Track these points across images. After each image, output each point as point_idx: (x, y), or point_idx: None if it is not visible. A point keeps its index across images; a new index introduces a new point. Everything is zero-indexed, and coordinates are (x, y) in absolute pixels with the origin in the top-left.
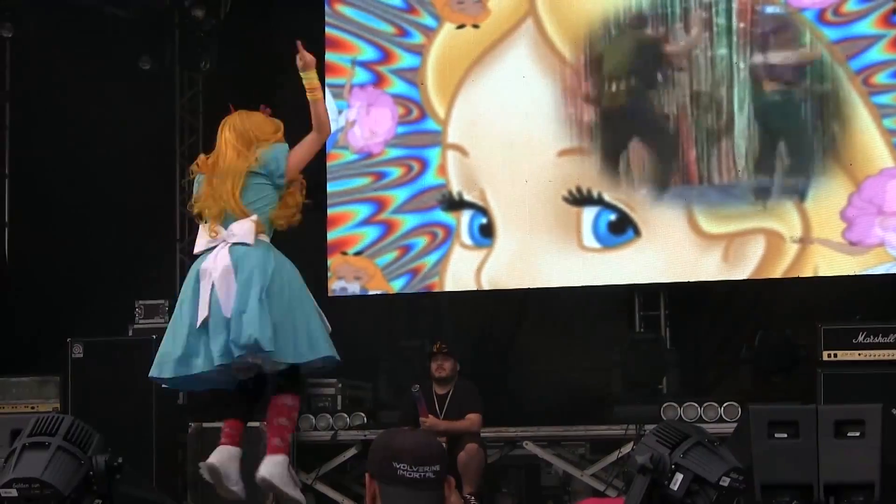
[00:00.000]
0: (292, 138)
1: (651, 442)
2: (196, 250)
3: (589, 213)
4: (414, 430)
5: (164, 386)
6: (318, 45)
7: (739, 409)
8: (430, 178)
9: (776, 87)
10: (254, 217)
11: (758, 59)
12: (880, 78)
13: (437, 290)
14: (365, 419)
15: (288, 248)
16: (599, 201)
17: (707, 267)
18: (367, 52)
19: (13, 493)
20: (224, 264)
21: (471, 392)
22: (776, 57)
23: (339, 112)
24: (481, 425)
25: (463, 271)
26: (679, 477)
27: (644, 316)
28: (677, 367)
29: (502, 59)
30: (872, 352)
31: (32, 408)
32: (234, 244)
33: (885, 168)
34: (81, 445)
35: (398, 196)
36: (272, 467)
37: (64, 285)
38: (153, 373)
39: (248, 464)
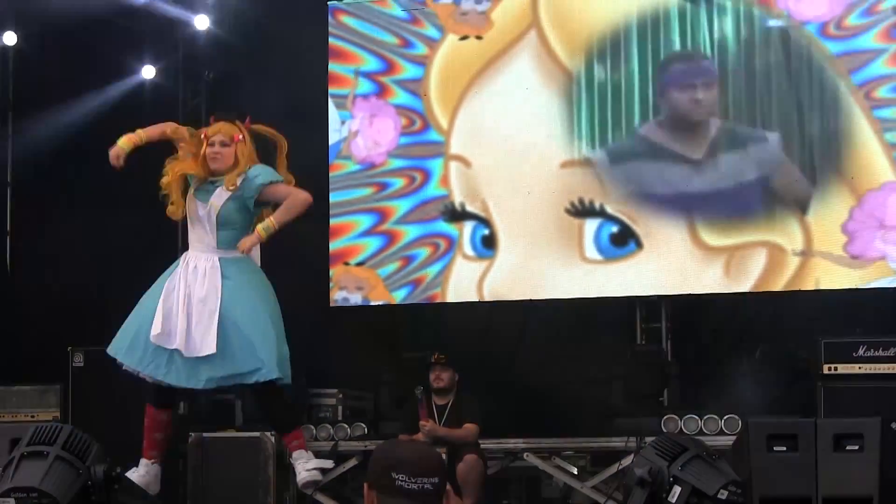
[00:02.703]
0: (292, 150)
1: (650, 455)
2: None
3: (591, 225)
4: (414, 441)
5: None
6: (321, 56)
7: (740, 422)
8: (433, 189)
9: (777, 103)
10: None
11: (760, 73)
12: (882, 92)
13: (438, 300)
14: (366, 430)
15: (290, 258)
16: (601, 213)
17: (709, 279)
18: (371, 63)
19: (11, 502)
20: None
21: (470, 403)
22: (777, 70)
23: (342, 122)
24: (478, 436)
25: (465, 282)
26: (677, 490)
27: (646, 328)
28: (678, 379)
29: (505, 71)
30: (873, 365)
31: (33, 417)
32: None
33: (886, 182)
34: (80, 455)
35: (400, 207)
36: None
37: (65, 294)
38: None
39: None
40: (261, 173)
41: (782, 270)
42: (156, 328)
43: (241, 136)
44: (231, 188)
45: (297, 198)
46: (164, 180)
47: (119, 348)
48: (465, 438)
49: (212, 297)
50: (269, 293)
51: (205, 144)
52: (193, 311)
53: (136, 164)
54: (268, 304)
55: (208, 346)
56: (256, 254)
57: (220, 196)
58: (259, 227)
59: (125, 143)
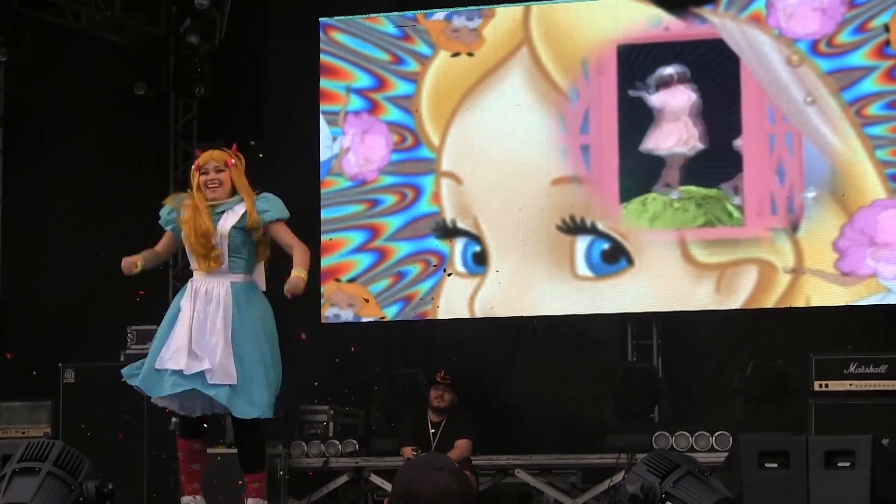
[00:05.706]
0: (283, 167)
1: (642, 471)
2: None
3: (582, 242)
4: (437, 473)
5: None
6: (313, 72)
7: (731, 439)
8: (424, 206)
9: (768, 122)
10: None
11: (750, 96)
12: (873, 109)
13: (430, 317)
14: (357, 446)
15: (281, 275)
16: (593, 230)
17: (700, 296)
18: (362, 80)
19: None
20: None
21: (464, 421)
22: (770, 91)
23: (334, 139)
24: (470, 451)
25: (456, 299)
26: None
27: (636, 345)
28: (669, 396)
29: (497, 88)
30: (863, 382)
31: (24, 433)
32: None
33: (877, 199)
34: (72, 471)
35: (392, 223)
36: None
37: (56, 311)
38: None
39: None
40: (270, 209)
41: (773, 287)
42: (175, 355)
43: (233, 161)
44: (253, 224)
45: (307, 250)
46: (187, 238)
47: (133, 375)
48: (460, 457)
49: (227, 323)
50: (272, 323)
51: (197, 175)
52: (208, 334)
53: (128, 182)
54: (271, 338)
55: (230, 375)
56: (261, 275)
57: (225, 224)
58: (299, 274)
59: (140, 264)
